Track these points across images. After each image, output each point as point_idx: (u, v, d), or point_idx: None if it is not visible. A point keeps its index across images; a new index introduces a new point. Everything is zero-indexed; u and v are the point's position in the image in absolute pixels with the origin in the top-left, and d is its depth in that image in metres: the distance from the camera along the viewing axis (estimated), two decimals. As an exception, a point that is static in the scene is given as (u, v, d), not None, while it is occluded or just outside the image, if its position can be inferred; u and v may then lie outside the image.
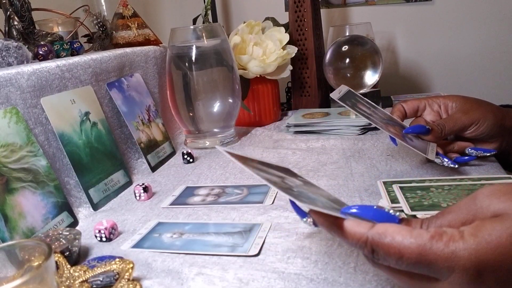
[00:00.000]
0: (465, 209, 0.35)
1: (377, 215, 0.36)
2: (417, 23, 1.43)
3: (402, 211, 0.54)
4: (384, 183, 0.65)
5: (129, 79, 0.91)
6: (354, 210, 0.37)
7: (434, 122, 0.70)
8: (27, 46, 0.75)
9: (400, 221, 0.36)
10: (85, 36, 1.03)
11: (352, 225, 0.35)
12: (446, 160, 0.67)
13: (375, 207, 0.37)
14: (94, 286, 0.46)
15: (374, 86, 1.11)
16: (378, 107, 0.74)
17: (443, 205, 0.54)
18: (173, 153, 0.96)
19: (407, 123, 0.73)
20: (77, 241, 0.53)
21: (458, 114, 0.70)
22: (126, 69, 0.92)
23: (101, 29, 0.98)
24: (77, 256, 0.54)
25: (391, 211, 0.36)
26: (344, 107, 0.69)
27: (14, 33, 0.79)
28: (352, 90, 0.74)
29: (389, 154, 0.82)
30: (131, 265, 0.47)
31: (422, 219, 0.37)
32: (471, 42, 1.41)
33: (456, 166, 0.68)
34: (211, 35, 0.96)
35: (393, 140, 0.69)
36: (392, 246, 0.32)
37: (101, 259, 0.53)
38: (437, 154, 0.69)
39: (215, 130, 1.00)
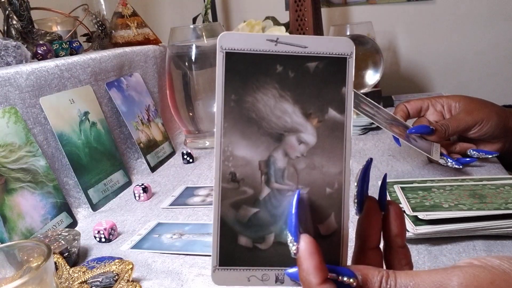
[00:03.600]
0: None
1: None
2: (419, 23, 1.43)
3: (404, 211, 0.53)
4: (386, 183, 0.64)
5: (129, 79, 0.91)
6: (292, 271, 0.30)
7: (437, 122, 0.70)
8: (26, 46, 0.75)
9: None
10: (84, 35, 1.02)
11: None
12: (451, 160, 0.67)
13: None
14: (94, 287, 0.46)
15: (375, 86, 1.11)
16: (381, 107, 0.74)
17: (444, 205, 0.53)
18: (172, 153, 0.96)
19: (409, 123, 0.72)
20: (76, 241, 0.53)
21: (461, 115, 0.70)
22: (125, 69, 0.92)
23: (100, 28, 0.98)
24: (76, 257, 0.53)
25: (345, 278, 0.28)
26: None
27: (13, 32, 0.79)
28: (355, 90, 0.74)
29: (390, 154, 0.81)
30: (131, 266, 0.46)
31: (382, 275, 0.29)
32: (473, 42, 1.40)
33: (461, 167, 0.67)
34: (211, 35, 0.96)
35: (397, 140, 0.69)
36: None
37: (101, 260, 0.52)
38: (442, 154, 0.68)
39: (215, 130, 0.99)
